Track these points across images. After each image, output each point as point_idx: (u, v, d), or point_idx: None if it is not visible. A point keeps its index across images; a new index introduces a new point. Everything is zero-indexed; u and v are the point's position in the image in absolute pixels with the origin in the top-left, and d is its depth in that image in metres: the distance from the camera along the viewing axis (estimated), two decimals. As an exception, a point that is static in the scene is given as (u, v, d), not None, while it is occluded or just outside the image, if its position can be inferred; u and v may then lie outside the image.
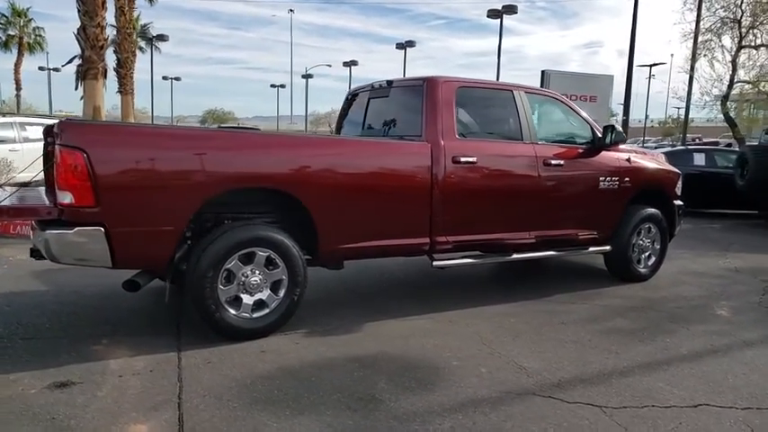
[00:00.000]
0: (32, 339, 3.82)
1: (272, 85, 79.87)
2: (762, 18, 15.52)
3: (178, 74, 65.15)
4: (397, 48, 44.87)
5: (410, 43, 44.43)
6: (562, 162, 5.27)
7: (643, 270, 6.07)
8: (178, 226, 3.65)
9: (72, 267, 5.46)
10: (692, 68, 17.85)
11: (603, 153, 5.59)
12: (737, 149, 13.45)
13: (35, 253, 4.00)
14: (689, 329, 4.52)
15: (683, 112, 28.50)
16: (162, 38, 38.48)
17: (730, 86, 16.82)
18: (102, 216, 3.39)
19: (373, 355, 3.74)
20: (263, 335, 3.96)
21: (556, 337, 4.24)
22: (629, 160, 5.82)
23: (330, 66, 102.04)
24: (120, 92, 14.51)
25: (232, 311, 3.85)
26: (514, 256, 5.14)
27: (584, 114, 5.71)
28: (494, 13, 29.84)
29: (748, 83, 16.92)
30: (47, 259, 4.03)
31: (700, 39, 16.62)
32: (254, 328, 3.93)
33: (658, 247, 6.16)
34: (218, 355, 3.64)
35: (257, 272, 3.92)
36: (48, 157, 4.59)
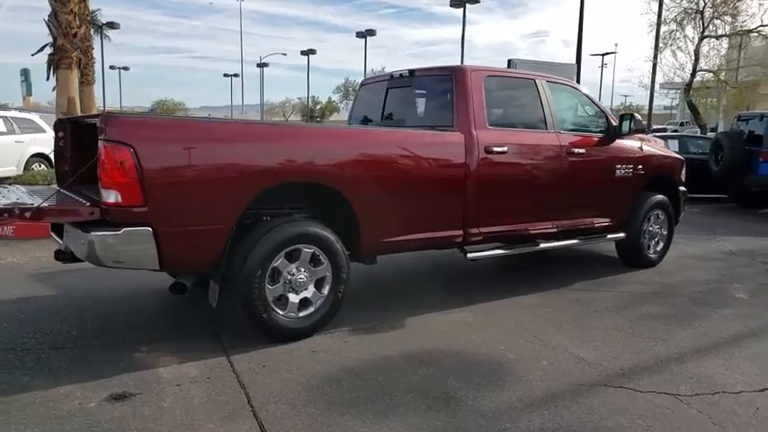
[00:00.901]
0: (65, 349, 3.56)
1: (226, 75, 78.09)
2: (723, 9, 16.06)
3: (123, 63, 62.56)
4: (357, 36, 44.52)
5: (370, 32, 44.16)
6: (583, 151, 5.28)
7: (653, 256, 6.18)
8: (228, 224, 3.46)
9: (68, 268, 5.23)
10: (656, 56, 18.34)
11: (618, 141, 5.63)
12: (712, 136, 13.87)
13: (63, 255, 3.74)
14: (717, 313, 4.61)
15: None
16: (112, 25, 36.91)
17: (693, 75, 17.39)
18: (150, 216, 3.17)
19: (428, 352, 3.65)
20: (308, 334, 3.81)
21: (597, 325, 4.25)
22: (641, 148, 5.89)
23: (285, 54, 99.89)
24: (82, 82, 13.77)
25: (279, 311, 3.69)
26: (541, 246, 5.13)
27: (598, 102, 5.73)
28: (457, 3, 29.89)
29: (709, 72, 17.53)
30: (77, 262, 3.81)
31: (665, 29, 17.07)
32: (301, 327, 3.78)
33: (665, 232, 6.27)
34: (271, 358, 3.48)
35: (302, 269, 3.76)
36: (60, 152, 4.31)
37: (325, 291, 3.87)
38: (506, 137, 4.73)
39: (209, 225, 3.40)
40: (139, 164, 3.10)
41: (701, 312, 4.63)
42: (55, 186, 4.45)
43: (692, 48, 16.99)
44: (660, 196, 6.09)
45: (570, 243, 5.41)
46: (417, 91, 5.08)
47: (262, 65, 64.66)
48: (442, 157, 4.37)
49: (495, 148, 4.59)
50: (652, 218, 6.08)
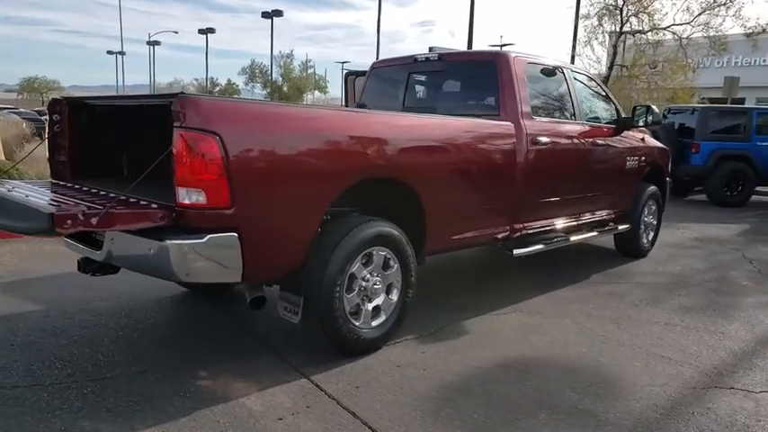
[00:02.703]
0: (105, 379, 2.93)
1: (110, 52, 72.16)
2: (638, 7, 17.02)
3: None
4: (263, 17, 42.83)
5: (277, 12, 42.65)
6: (603, 142, 5.24)
7: (647, 246, 6.33)
8: (313, 226, 2.98)
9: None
10: (574, 48, 19.15)
11: (626, 133, 5.65)
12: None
13: (91, 266, 3.08)
14: (743, 301, 4.75)
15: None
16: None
17: (610, 69, 18.35)
18: (236, 219, 2.64)
19: (517, 360, 3.40)
20: (380, 346, 3.43)
21: (649, 320, 4.20)
22: (643, 140, 5.98)
23: (177, 33, 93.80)
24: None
25: (356, 322, 3.27)
26: (571, 239, 5.03)
27: (609, 93, 5.72)
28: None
29: (623, 66, 18.57)
30: (109, 273, 3.17)
31: (587, 23, 17.82)
32: (375, 338, 3.39)
33: (655, 222, 6.44)
34: (357, 377, 3.07)
35: (376, 274, 3.36)
36: (55, 138, 3.57)
37: (395, 297, 3.49)
38: (547, 128, 4.55)
39: (295, 227, 2.92)
40: (227, 156, 2.56)
41: (728, 302, 4.74)
42: (48, 181, 3.68)
43: (610, 43, 17.89)
44: (653, 187, 6.22)
45: (592, 235, 5.36)
46: (450, 76, 4.76)
47: (153, 42, 60.40)
48: (499, 149, 4.11)
49: (541, 139, 4.40)
50: (647, 209, 6.20)
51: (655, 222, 6.41)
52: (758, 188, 11.51)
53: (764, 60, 23.66)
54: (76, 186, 3.26)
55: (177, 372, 3.05)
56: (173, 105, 2.54)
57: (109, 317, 3.84)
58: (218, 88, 61.28)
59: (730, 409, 2.88)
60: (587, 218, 5.27)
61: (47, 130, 3.61)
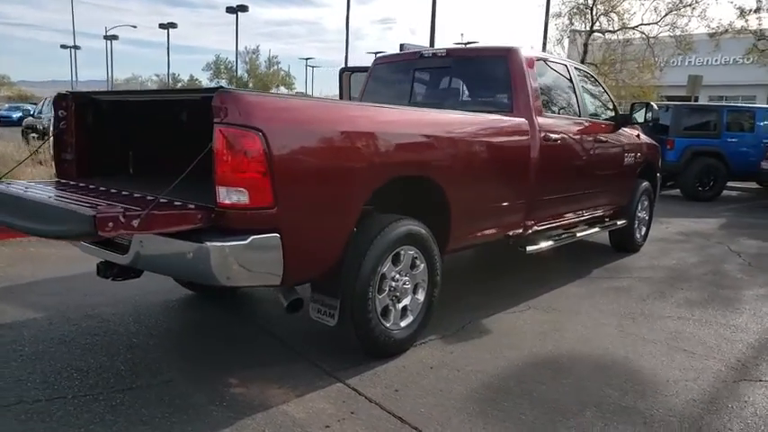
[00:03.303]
0: (133, 389, 2.77)
1: (63, 46, 69.63)
2: (607, 6, 17.36)
3: None
4: (227, 12, 42.02)
5: (242, 8, 41.90)
6: (605, 138, 5.28)
7: (640, 241, 6.42)
8: (350, 225, 2.89)
9: (29, 285, 4.26)
10: (544, 46, 19.40)
11: (623, 129, 5.71)
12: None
13: (111, 270, 2.92)
14: (744, 294, 4.85)
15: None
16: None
17: (580, 67, 18.60)
18: (278, 219, 2.52)
19: (546, 358, 3.37)
20: (408, 347, 3.36)
21: (662, 315, 4.24)
22: (638, 136, 6.06)
23: (135, 27, 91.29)
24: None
25: (386, 323, 3.19)
26: (577, 235, 5.06)
27: (606, 89, 5.77)
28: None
29: (593, 64, 18.92)
30: (130, 278, 3.02)
31: (558, 21, 18.08)
32: (403, 339, 3.31)
33: (647, 218, 6.55)
34: (393, 380, 2.99)
35: (404, 274, 3.29)
36: (61, 135, 3.38)
37: (421, 296, 3.42)
38: (556, 123, 4.55)
39: (333, 226, 2.82)
40: (270, 154, 2.44)
41: (730, 294, 4.83)
42: (50, 180, 3.48)
43: (580, 41, 18.20)
44: (646, 183, 6.32)
45: (594, 231, 5.41)
46: (459, 72, 4.71)
47: (110, 37, 58.45)
48: (516, 145, 4.08)
49: (551, 135, 4.39)
50: (641, 204, 6.30)
51: (647, 218, 6.52)
52: (729, 183, 11.87)
53: (725, 60, 24.53)
54: (91, 186, 3.08)
55: (206, 380, 2.92)
56: (213, 101, 2.41)
57: (117, 323, 3.65)
58: (180, 85, 60.03)
59: (765, 400, 2.92)
60: (590, 214, 5.32)
61: (51, 127, 3.40)
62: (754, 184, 13.06)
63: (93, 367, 3.00)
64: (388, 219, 3.16)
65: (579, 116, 4.97)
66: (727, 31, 17.67)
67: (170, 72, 54.73)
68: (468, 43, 59.90)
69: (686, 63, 24.15)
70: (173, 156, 3.81)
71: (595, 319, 4.09)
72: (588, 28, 17.92)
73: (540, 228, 4.56)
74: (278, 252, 2.55)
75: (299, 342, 3.45)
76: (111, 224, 2.14)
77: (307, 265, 2.77)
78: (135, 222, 2.21)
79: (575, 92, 4.99)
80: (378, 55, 5.19)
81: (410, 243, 3.26)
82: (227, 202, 2.45)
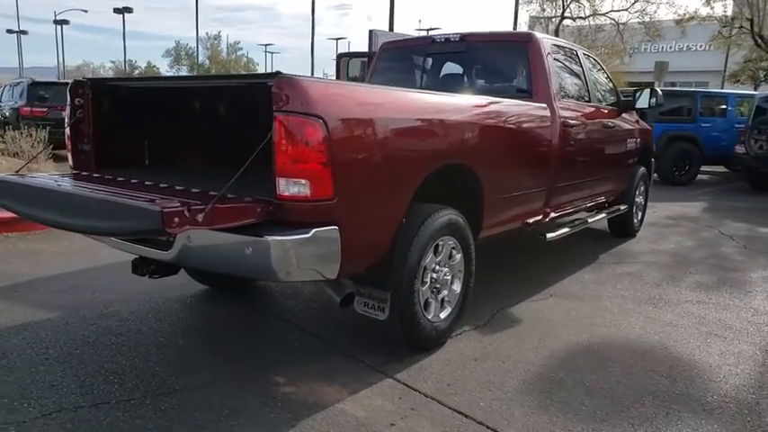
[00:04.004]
0: (176, 393, 2.63)
1: (9, 31, 66.42)
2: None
3: None
4: (114, 12, 41.12)
5: (127, 9, 41.14)
6: (612, 124, 5.30)
7: (637, 226, 6.51)
8: (400, 215, 2.79)
9: (30, 283, 4.06)
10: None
11: (625, 115, 5.74)
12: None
13: (149, 266, 2.75)
14: (751, 275, 4.96)
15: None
16: None
17: (552, 53, 18.78)
18: (337, 210, 2.41)
19: (587, 346, 3.35)
20: (445, 340, 3.30)
21: (679, 299, 4.29)
22: (637, 121, 6.11)
23: (86, 11, 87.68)
24: None
25: (428, 315, 3.12)
26: (588, 221, 5.08)
27: (609, 75, 5.79)
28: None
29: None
30: (168, 275, 2.87)
31: (530, 8, 18.18)
32: (443, 331, 3.24)
33: (643, 203, 6.64)
34: (442, 374, 2.92)
35: (443, 264, 3.22)
36: (78, 124, 3.18)
37: (457, 288, 3.36)
38: (572, 109, 4.53)
39: (386, 218, 2.72)
40: (331, 142, 2.32)
41: (737, 277, 4.93)
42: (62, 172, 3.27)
43: (552, 27, 18.35)
44: (643, 168, 6.39)
45: (601, 217, 5.44)
46: (474, 57, 4.62)
47: (60, 21, 55.94)
48: (539, 131, 4.04)
49: (569, 121, 4.37)
50: (639, 189, 6.37)
51: (643, 203, 6.60)
52: (703, 168, 12.18)
53: (689, 46, 25.19)
54: (119, 179, 2.89)
55: (249, 379, 2.79)
56: (273, 87, 2.27)
57: (138, 321, 3.48)
58: (137, 72, 58.27)
59: (808, 384, 2.97)
60: (598, 199, 5.34)
61: (68, 116, 3.18)
62: (722, 168, 13.45)
63: (127, 369, 2.84)
64: (430, 209, 3.07)
65: (589, 102, 4.96)
66: (693, 17, 18.12)
67: (126, 58, 53.00)
68: (429, 30, 59.66)
69: (654, 50, 24.71)
70: (191, 146, 3.66)
71: (618, 305, 4.11)
72: (559, 14, 18.10)
73: (556, 215, 4.55)
74: (336, 245, 2.44)
75: (333, 336, 3.35)
76: (177, 219, 1.99)
77: (359, 257, 2.66)
78: (199, 217, 2.06)
79: (585, 77, 4.98)
80: (385, 42, 5.06)
81: (449, 233, 3.19)
82: (286, 194, 2.33)
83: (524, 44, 4.29)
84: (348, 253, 2.52)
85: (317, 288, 3.85)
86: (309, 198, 2.33)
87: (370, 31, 16.62)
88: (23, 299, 3.81)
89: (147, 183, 2.73)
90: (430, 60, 4.82)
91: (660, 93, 5.60)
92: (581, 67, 4.98)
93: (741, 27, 17.17)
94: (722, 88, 22.79)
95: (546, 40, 4.40)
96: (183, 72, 49.70)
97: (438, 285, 3.18)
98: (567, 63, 4.81)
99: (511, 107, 3.78)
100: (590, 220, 5.10)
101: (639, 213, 6.55)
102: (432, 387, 2.78)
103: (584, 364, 3.11)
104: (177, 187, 2.60)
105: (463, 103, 3.31)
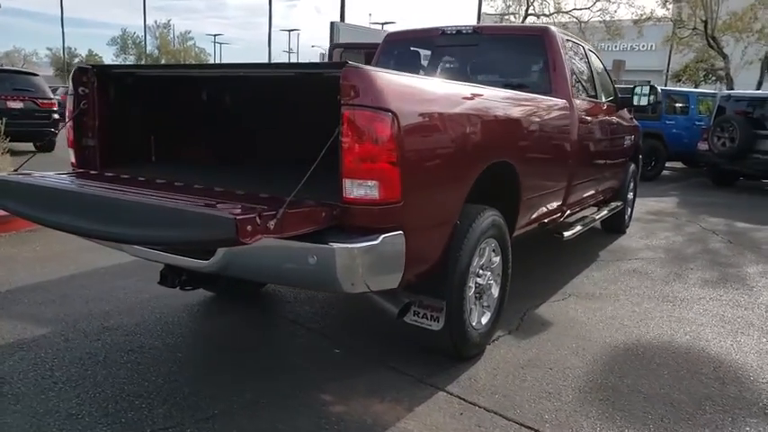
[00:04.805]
0: (217, 417, 2.36)
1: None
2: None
3: None
4: None
5: None
6: (615, 120, 5.28)
7: (627, 222, 6.54)
8: (455, 217, 2.60)
9: (12, 293, 3.77)
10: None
11: (621, 112, 5.73)
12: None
13: (178, 276, 2.47)
14: (747, 270, 5.02)
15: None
16: None
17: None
18: (402, 214, 2.20)
19: (627, 349, 3.26)
20: (485, 347, 3.14)
21: (692, 296, 4.28)
22: (632, 118, 6.12)
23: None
24: None
25: (473, 322, 2.95)
26: (596, 218, 5.02)
27: (608, 70, 5.76)
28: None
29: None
30: (198, 287, 2.59)
31: (493, 4, 18.26)
32: (485, 337, 3.09)
33: (633, 199, 6.68)
34: (494, 385, 2.76)
35: (486, 268, 3.05)
36: (82, 117, 2.85)
37: (495, 292, 3.20)
38: (586, 105, 4.45)
39: (443, 220, 2.53)
40: (400, 140, 2.11)
41: (736, 273, 4.98)
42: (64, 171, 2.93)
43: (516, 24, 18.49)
44: (633, 164, 6.42)
45: (604, 214, 5.40)
46: (487, 51, 4.47)
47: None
48: (563, 127, 3.93)
49: (585, 117, 4.29)
50: (630, 185, 6.39)
51: (632, 199, 6.64)
52: (667, 164, 12.50)
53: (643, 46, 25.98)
54: (140, 178, 2.58)
55: (294, 397, 2.55)
56: (341, 78, 2.03)
57: (146, 335, 3.16)
58: (77, 60, 55.54)
59: None
60: (600, 197, 5.31)
61: (71, 107, 2.83)
62: (680, 164, 13.86)
63: (152, 391, 2.55)
64: (476, 209, 2.89)
65: (596, 98, 4.90)
66: (649, 18, 18.64)
67: (65, 45, 50.46)
68: (384, 24, 59.00)
69: (613, 48, 25.34)
70: (203, 141, 3.36)
71: (638, 304, 4.05)
72: (524, 11, 18.28)
73: (570, 212, 4.48)
74: (401, 252, 2.23)
75: (365, 346, 3.14)
76: (249, 227, 1.74)
77: (417, 263, 2.45)
78: (271, 224, 1.82)
79: (592, 74, 4.91)
80: (388, 32, 4.84)
81: (492, 235, 3.02)
82: (352, 196, 2.10)
83: (542, 38, 4.17)
84: (409, 260, 2.32)
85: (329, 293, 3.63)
86: (378, 201, 2.11)
87: (332, 23, 16.27)
88: (8, 312, 3.42)
89: (178, 184, 2.43)
90: (439, 53, 4.64)
91: (659, 90, 5.60)
92: (588, 62, 4.91)
93: (695, 29, 17.82)
94: (665, 87, 23.66)
95: (560, 33, 4.29)
96: (132, 62, 47.75)
97: (481, 290, 3.02)
98: (578, 59, 4.72)
99: (543, 102, 3.65)
100: (596, 218, 5.05)
101: (629, 209, 6.58)
102: (489, 400, 2.62)
103: (631, 369, 3.01)
104: (217, 189, 2.33)
105: (510, 98, 3.15)
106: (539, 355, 3.13)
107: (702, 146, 11.42)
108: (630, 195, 6.45)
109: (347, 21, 22.62)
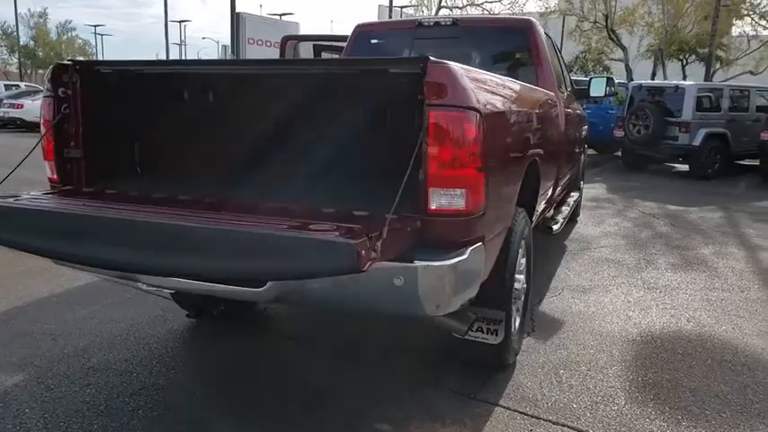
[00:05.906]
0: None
1: None
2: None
3: None
4: None
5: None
6: (578, 112, 5.35)
7: (579, 212, 6.72)
8: (509, 222, 2.43)
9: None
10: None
11: (575, 102, 5.84)
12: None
13: (217, 307, 2.12)
14: (703, 252, 5.28)
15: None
16: None
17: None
18: (483, 224, 2.00)
19: (647, 343, 3.26)
20: (518, 354, 3.02)
21: (673, 284, 4.41)
22: (583, 109, 6.26)
23: None
24: None
25: (516, 327, 2.82)
26: (567, 209, 5.07)
27: (564, 61, 5.83)
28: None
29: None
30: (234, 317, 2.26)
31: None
32: (518, 342, 2.97)
33: (582, 188, 6.86)
34: (542, 393, 2.65)
35: (518, 272, 2.92)
36: (64, 124, 2.42)
37: (523, 294, 3.09)
38: (565, 98, 4.45)
39: (503, 226, 2.35)
40: (484, 144, 1.90)
41: (696, 256, 5.22)
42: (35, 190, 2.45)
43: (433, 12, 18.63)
44: (583, 156, 6.60)
45: (573, 203, 5.46)
46: (469, 44, 4.33)
47: None
48: (556, 121, 3.87)
49: (567, 109, 4.29)
50: (582, 174, 6.56)
51: (582, 188, 6.82)
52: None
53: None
54: (154, 196, 2.19)
55: (347, 426, 2.29)
56: (427, 75, 1.79)
57: (144, 373, 2.75)
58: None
59: None
60: (567, 187, 5.37)
61: (50, 113, 2.35)
62: (591, 150, 14.58)
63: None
64: (516, 211, 2.74)
65: (562, 90, 4.91)
66: (554, 11, 19.47)
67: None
68: (284, 15, 57.85)
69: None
70: (214, 148, 2.92)
71: (632, 294, 4.10)
72: (436, 3, 18.45)
73: (554, 205, 4.47)
74: (481, 266, 2.03)
75: (399, 363, 2.91)
76: (363, 252, 1.47)
77: (485, 275, 2.27)
78: (378, 246, 1.55)
79: (560, 64, 4.93)
80: (359, 24, 4.57)
81: (524, 236, 2.90)
82: (436, 207, 1.87)
83: (527, 31, 4.09)
84: (484, 273, 2.13)
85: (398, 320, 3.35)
86: (463, 211, 1.90)
87: (238, 14, 15.51)
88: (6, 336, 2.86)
89: (207, 200, 2.07)
90: (416, 46, 4.44)
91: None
92: (558, 54, 4.92)
93: (596, 22, 18.89)
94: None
95: (539, 25, 4.25)
96: (4, 55, 43.26)
97: (518, 295, 2.89)
98: (553, 50, 4.71)
99: (547, 96, 3.56)
100: (569, 208, 5.09)
101: (581, 198, 6.75)
102: (549, 410, 2.50)
103: (661, 362, 3.01)
104: (268, 204, 2.00)
105: (541, 93, 3.02)
106: (569, 357, 3.05)
107: (618, 133, 12.07)
108: (581, 184, 6.61)
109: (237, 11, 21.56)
